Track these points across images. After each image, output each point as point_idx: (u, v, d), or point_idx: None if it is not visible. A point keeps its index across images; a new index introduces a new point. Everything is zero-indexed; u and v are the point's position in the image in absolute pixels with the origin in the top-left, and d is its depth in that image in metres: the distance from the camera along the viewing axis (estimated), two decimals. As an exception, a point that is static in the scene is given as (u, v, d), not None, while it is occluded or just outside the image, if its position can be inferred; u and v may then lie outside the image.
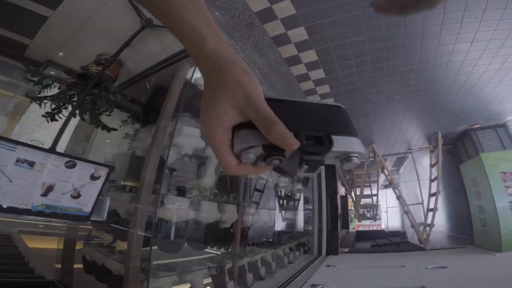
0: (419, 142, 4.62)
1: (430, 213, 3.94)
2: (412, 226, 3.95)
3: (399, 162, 4.82)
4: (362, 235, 5.88)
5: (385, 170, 4.36)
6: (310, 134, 0.26)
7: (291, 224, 3.16)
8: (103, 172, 1.04)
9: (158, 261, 1.18)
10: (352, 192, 5.60)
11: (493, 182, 3.46)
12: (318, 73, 2.32)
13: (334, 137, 0.26)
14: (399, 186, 4.63)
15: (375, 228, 6.90)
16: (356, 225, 6.89)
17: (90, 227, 1.43)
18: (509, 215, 3.33)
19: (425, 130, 4.04)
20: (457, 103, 3.13)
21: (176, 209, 1.25)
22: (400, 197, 4.17)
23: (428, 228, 3.78)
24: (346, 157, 0.27)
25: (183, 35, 0.26)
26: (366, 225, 7.11)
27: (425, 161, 4.73)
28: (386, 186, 4.76)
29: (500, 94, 2.94)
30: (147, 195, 1.10)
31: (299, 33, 1.84)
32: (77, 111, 1.07)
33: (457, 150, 4.13)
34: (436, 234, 3.88)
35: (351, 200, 5.63)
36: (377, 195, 5.26)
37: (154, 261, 1.08)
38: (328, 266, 2.51)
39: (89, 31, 1.23)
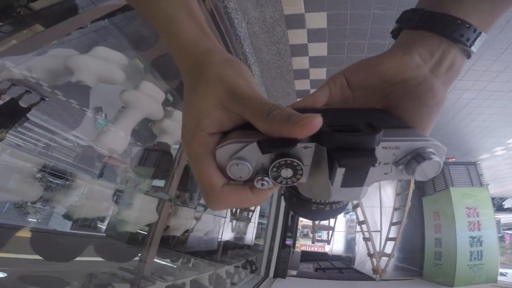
0: None
1: (389, 243, 4.27)
2: (370, 255, 4.19)
3: None
4: (306, 256, 6.22)
5: None
6: (340, 123, 0.18)
7: (241, 237, 3.15)
8: None
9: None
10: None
11: (457, 216, 3.92)
12: (320, 49, 1.99)
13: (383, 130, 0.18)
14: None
15: (318, 250, 7.34)
16: (299, 245, 7.32)
17: None
18: (467, 250, 3.81)
19: None
20: (442, 132, 3.42)
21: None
22: (364, 221, 4.35)
23: (385, 258, 4.08)
24: (415, 155, 0.18)
25: (158, 25, 0.25)
26: (308, 245, 7.48)
27: (389, 190, 5.16)
28: (354, 207, 4.91)
29: (475, 130, 3.34)
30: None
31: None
32: None
33: (423, 182, 4.61)
34: (382, 263, 4.21)
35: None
36: (335, 217, 5.50)
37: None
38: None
39: None
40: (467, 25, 0.23)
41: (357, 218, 4.80)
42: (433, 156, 0.18)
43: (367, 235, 4.38)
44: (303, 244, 7.37)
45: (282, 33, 1.81)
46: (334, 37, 1.90)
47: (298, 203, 0.23)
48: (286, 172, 0.18)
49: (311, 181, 0.19)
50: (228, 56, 0.23)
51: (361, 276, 4.38)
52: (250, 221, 3.24)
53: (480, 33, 0.24)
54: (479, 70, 2.24)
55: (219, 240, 2.28)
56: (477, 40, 0.24)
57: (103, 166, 1.10)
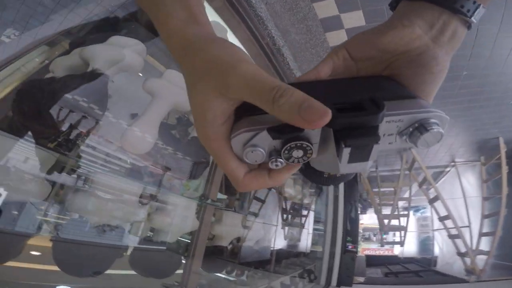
0: (466, 154, 4.56)
1: (484, 238, 3.80)
2: (461, 254, 3.80)
3: (435, 177, 4.77)
4: (372, 260, 5.90)
5: (430, 183, 4.15)
6: (343, 101, 0.20)
7: (295, 244, 3.10)
8: None
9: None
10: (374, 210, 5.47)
11: None
12: (355, 18, 1.82)
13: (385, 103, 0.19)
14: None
15: (385, 253, 7.06)
16: (361, 249, 7.03)
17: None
18: None
19: (477, 138, 3.88)
20: None
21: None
22: (448, 216, 3.93)
23: (482, 256, 3.65)
24: (418, 126, 0.21)
25: (149, 12, 0.26)
26: (373, 248, 7.29)
27: (471, 177, 4.64)
28: (431, 202, 4.54)
29: None
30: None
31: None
32: None
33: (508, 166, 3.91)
34: (479, 262, 3.73)
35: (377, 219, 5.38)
36: (407, 215, 5.09)
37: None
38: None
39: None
40: None
41: (437, 213, 4.38)
42: (435, 127, 0.20)
43: (453, 231, 3.94)
44: (366, 248, 7.11)
45: (307, 8, 1.68)
46: (368, 2, 1.69)
47: (313, 172, 0.25)
48: (297, 153, 0.21)
49: (321, 157, 0.22)
50: (212, 36, 0.24)
51: (447, 279, 3.91)
52: (303, 227, 3.11)
53: (480, 5, 0.25)
54: None
55: (272, 248, 2.21)
56: (476, 12, 0.25)
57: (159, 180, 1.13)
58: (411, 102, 0.22)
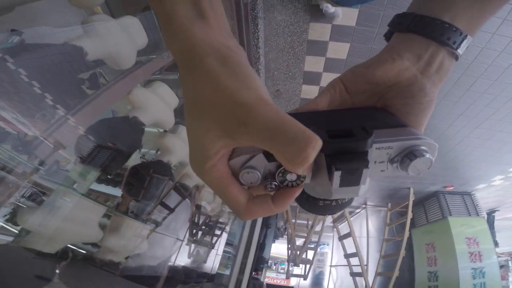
0: (376, 199, 5.52)
1: (379, 278, 4.43)
2: None
3: (339, 218, 5.45)
4: None
5: (342, 220, 4.57)
6: (334, 128, 0.23)
7: (200, 265, 3.05)
8: None
9: None
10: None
11: (458, 246, 4.17)
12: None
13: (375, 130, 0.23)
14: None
15: (282, 283, 7.80)
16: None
17: None
18: (469, 283, 4.01)
19: (391, 186, 4.72)
20: (443, 160, 3.71)
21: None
22: (356, 254, 4.42)
23: None
24: (407, 153, 0.23)
25: (158, 16, 0.24)
26: (272, 277, 7.94)
27: (375, 219, 5.55)
28: (341, 238, 5.12)
29: (475, 159, 3.65)
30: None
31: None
32: None
33: (413, 214, 4.87)
34: None
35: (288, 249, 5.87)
36: (315, 249, 5.66)
37: None
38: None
39: None
40: (454, 29, 0.29)
41: (344, 250, 4.93)
42: (425, 153, 0.23)
43: (356, 269, 4.44)
44: (267, 276, 7.78)
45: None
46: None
47: (307, 199, 0.28)
48: (291, 176, 0.24)
49: (314, 182, 0.24)
50: (222, 48, 0.22)
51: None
52: (213, 247, 3.09)
53: (466, 36, 0.29)
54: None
55: (171, 264, 2.11)
56: (463, 43, 0.29)
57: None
58: (401, 130, 0.26)
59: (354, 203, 5.57)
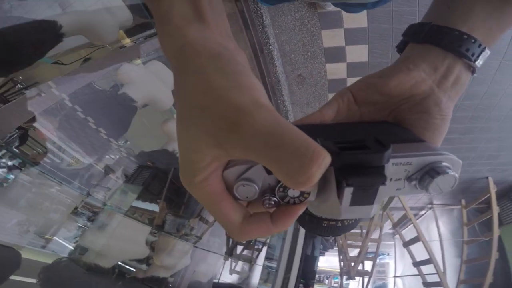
0: (444, 197, 5.04)
1: (463, 286, 4.06)
2: None
3: (399, 222, 5.00)
4: None
5: (405, 224, 4.33)
6: (345, 140, 0.22)
7: (240, 280, 3.11)
8: None
9: None
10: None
11: None
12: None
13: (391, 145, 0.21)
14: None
15: None
16: None
17: None
18: None
19: (463, 178, 4.24)
20: None
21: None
22: (430, 260, 4.03)
23: None
24: (428, 170, 0.22)
25: (153, 13, 0.24)
26: None
27: (446, 221, 5.10)
28: (407, 245, 4.73)
29: None
30: None
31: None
32: None
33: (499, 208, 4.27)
34: None
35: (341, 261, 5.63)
36: (374, 259, 5.32)
37: None
38: None
39: None
40: (473, 40, 0.29)
41: (412, 258, 4.65)
42: (448, 170, 0.22)
43: (431, 278, 4.14)
44: None
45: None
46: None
47: (310, 219, 0.27)
48: (293, 192, 0.22)
49: (320, 199, 0.23)
50: (218, 48, 0.22)
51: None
52: (254, 262, 3.17)
53: (485, 48, 0.29)
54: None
55: (215, 281, 2.23)
56: (481, 56, 0.29)
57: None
58: (420, 145, 0.25)
59: (416, 204, 5.25)
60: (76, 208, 1.11)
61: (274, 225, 0.23)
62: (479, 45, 0.29)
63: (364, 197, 0.20)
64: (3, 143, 0.79)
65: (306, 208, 0.25)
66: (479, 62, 0.29)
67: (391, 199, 4.49)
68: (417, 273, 4.59)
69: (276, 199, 0.23)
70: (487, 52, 0.29)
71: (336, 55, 2.41)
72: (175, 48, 0.22)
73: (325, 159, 0.17)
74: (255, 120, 0.18)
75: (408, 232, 5.38)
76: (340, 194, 0.20)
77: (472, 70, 0.30)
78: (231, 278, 2.86)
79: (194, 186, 0.22)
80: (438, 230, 4.90)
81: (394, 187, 0.23)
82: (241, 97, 0.19)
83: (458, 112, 2.82)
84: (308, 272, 3.93)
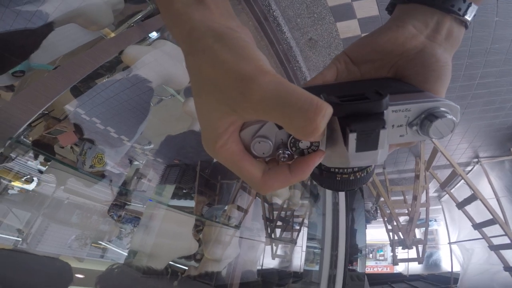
0: (489, 149, 4.97)
1: None
2: None
3: (446, 183, 4.93)
4: (373, 280, 6.72)
5: (461, 178, 4.26)
6: (347, 93, 0.26)
7: (284, 264, 3.29)
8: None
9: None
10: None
11: None
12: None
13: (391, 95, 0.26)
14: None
15: (384, 271, 7.92)
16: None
17: None
18: None
19: (500, 126, 4.23)
20: None
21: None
22: (494, 221, 4.02)
23: None
24: (427, 115, 0.26)
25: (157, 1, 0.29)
26: (370, 265, 8.15)
27: (498, 176, 4.98)
28: (461, 205, 4.71)
29: None
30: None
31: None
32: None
33: None
34: None
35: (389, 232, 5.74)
36: (426, 225, 5.40)
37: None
38: None
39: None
40: None
41: (471, 220, 4.64)
42: (446, 114, 0.26)
43: (496, 241, 4.17)
44: (366, 266, 7.98)
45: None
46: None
47: (324, 174, 0.32)
48: (303, 144, 0.27)
49: (330, 150, 0.28)
50: (221, 27, 0.26)
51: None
52: (295, 243, 3.32)
53: (471, 3, 0.34)
54: None
55: (259, 268, 2.38)
56: (469, 10, 0.34)
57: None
58: (418, 94, 0.30)
59: (462, 160, 5.26)
60: (120, 216, 1.32)
61: (293, 175, 0.28)
62: (464, 1, 0.33)
63: (368, 142, 0.24)
64: (15, 139, 0.84)
65: (320, 164, 0.30)
66: (469, 16, 0.34)
67: (433, 156, 4.47)
68: (479, 236, 4.57)
69: (290, 152, 0.28)
70: (474, 7, 0.33)
71: (344, 12, 2.48)
72: (184, 33, 0.27)
73: (327, 110, 0.22)
74: (261, 85, 0.22)
75: (456, 192, 5.33)
76: (346, 141, 0.24)
77: (464, 24, 0.35)
78: (274, 263, 3.01)
79: (217, 152, 0.27)
80: (491, 186, 4.83)
81: (397, 134, 0.28)
82: (247, 67, 0.23)
83: (489, 56, 2.86)
84: (354, 247, 4.02)
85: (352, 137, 0.24)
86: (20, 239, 1.08)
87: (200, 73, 0.25)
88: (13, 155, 0.98)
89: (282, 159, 0.28)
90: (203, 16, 0.27)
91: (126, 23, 1.44)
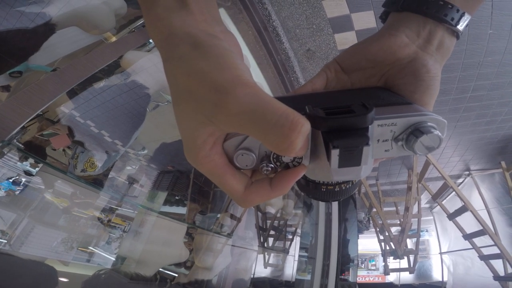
0: (480, 162, 5.07)
1: None
2: (502, 278, 4.04)
3: (438, 194, 5.02)
4: None
5: (452, 190, 4.31)
6: (333, 106, 0.25)
7: (276, 273, 3.25)
8: None
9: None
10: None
11: None
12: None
13: (378, 108, 0.25)
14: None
15: (375, 280, 7.92)
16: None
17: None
18: None
19: (491, 139, 4.30)
20: None
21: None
22: (484, 231, 4.05)
23: None
24: (413, 130, 0.25)
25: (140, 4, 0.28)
26: (362, 275, 8.07)
27: (488, 188, 5.06)
28: (453, 216, 4.75)
29: None
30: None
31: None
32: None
33: None
34: None
35: (381, 242, 5.82)
36: (418, 236, 5.41)
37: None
38: None
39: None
40: (450, 6, 0.33)
41: (460, 230, 4.70)
42: (432, 130, 0.25)
43: (485, 251, 4.21)
44: (358, 275, 8.02)
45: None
46: None
47: (309, 185, 0.31)
48: (286, 158, 0.27)
49: (313, 164, 0.27)
50: (200, 34, 0.25)
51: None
52: (287, 253, 3.29)
53: (464, 13, 0.33)
54: None
55: (251, 277, 2.35)
56: (461, 20, 0.33)
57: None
58: (406, 107, 0.29)
59: (454, 172, 5.32)
60: (109, 220, 1.29)
61: (273, 190, 0.27)
62: (457, 10, 0.33)
63: (351, 158, 0.24)
64: (7, 142, 0.82)
65: (305, 175, 0.29)
66: (461, 26, 0.33)
67: (425, 168, 4.52)
68: (469, 246, 4.59)
69: (273, 165, 0.27)
70: (467, 17, 0.33)
71: (342, 24, 2.49)
72: (162, 38, 0.26)
73: (304, 126, 0.21)
74: (237, 98, 0.21)
75: (448, 204, 5.39)
76: (329, 157, 0.24)
77: (456, 34, 0.34)
78: (266, 272, 2.99)
79: (199, 163, 0.26)
80: (482, 198, 4.86)
81: (382, 148, 0.27)
82: (223, 77, 0.22)
83: (482, 69, 2.88)
84: (346, 257, 4.02)
85: (335, 153, 0.23)
86: (5, 241, 1.05)
87: (176, 81, 0.24)
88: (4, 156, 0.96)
89: (265, 172, 0.27)
90: (183, 22, 0.26)
91: (127, 28, 1.44)
